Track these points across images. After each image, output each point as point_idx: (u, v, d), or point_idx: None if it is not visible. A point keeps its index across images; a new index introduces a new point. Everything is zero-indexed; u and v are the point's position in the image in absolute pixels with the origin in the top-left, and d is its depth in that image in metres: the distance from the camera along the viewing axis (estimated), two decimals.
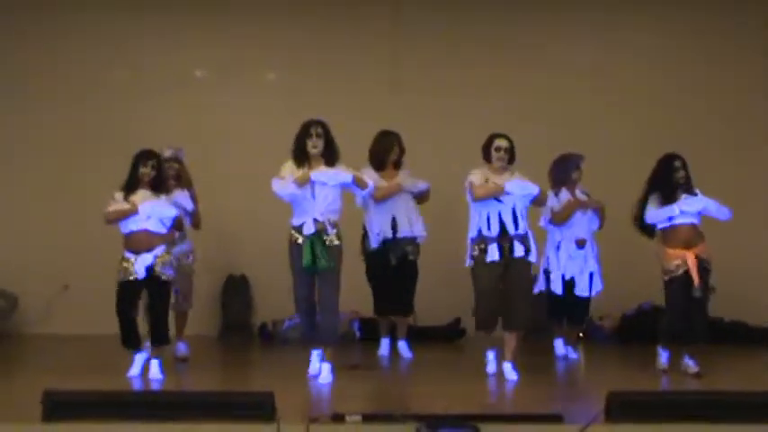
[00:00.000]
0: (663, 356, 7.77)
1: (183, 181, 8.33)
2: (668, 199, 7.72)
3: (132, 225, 7.51)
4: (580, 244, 8.42)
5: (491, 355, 7.66)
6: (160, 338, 7.53)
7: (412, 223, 8.50)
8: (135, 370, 7.50)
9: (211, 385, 7.56)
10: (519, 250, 7.52)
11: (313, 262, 7.32)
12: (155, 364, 7.49)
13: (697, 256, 7.67)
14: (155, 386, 7.30)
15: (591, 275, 8.48)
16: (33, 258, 9.99)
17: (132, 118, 10.07)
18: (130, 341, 7.51)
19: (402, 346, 8.65)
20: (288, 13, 10.30)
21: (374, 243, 8.46)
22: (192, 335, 8.67)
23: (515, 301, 7.56)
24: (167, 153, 8.16)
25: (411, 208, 8.56)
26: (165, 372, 7.47)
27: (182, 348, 8.43)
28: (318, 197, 7.38)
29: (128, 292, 7.48)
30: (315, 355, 7.52)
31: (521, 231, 7.55)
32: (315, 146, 7.42)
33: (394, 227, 8.45)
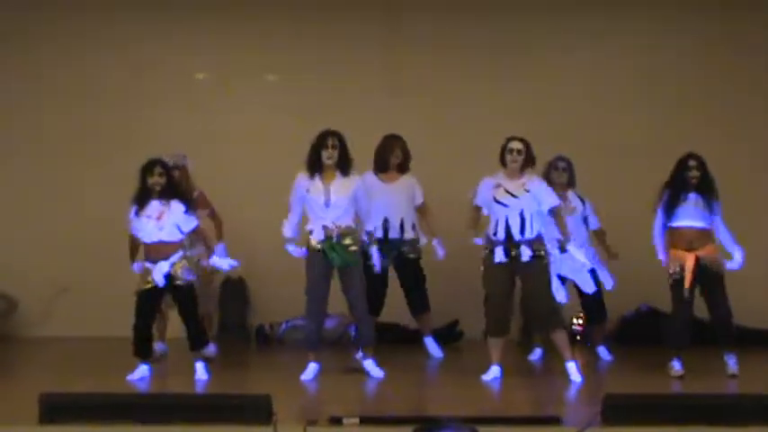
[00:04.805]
0: (675, 365, 7.71)
1: (183, 188, 8.27)
2: (676, 198, 7.72)
3: (146, 237, 7.62)
4: (562, 247, 8.35)
5: (496, 369, 7.58)
6: (196, 343, 7.67)
7: (405, 228, 8.52)
8: (135, 375, 7.55)
9: (208, 387, 7.56)
10: (526, 254, 7.49)
11: (342, 261, 7.53)
12: (200, 366, 7.62)
13: (698, 258, 7.68)
14: (199, 386, 7.38)
15: (592, 272, 8.34)
16: (33, 261, 9.97)
17: (134, 120, 10.06)
18: (141, 352, 7.59)
19: (429, 342, 8.77)
20: (288, 17, 10.28)
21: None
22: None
23: (537, 308, 7.58)
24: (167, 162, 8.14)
25: (409, 214, 8.59)
26: (210, 372, 7.60)
27: (211, 349, 8.41)
28: (331, 205, 7.56)
29: (146, 300, 7.59)
30: (312, 365, 7.61)
31: (528, 236, 7.51)
32: (330, 156, 7.60)
33: (386, 228, 8.48)
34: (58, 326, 9.85)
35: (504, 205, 7.54)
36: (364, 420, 5.86)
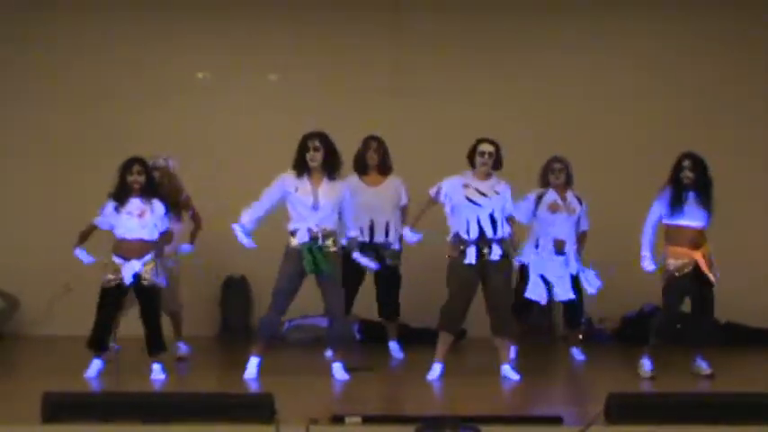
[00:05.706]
0: (646, 365, 7.74)
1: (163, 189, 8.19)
2: (677, 197, 7.73)
3: (127, 234, 7.60)
4: (558, 247, 8.38)
5: (438, 367, 7.59)
6: (154, 347, 7.64)
7: (390, 232, 8.48)
8: (91, 371, 7.55)
9: (210, 386, 7.58)
10: (496, 254, 7.52)
11: (316, 267, 7.42)
12: (156, 368, 7.58)
13: (704, 256, 7.70)
14: (157, 386, 7.35)
15: (571, 278, 8.40)
16: (34, 260, 9.98)
17: (132, 120, 10.07)
18: (95, 345, 7.58)
19: (393, 346, 8.73)
20: (289, 17, 10.30)
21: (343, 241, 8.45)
22: (191, 335, 8.69)
23: (499, 307, 7.58)
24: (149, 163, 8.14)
25: (394, 217, 8.54)
26: (166, 372, 7.57)
27: (182, 348, 8.47)
28: (320, 208, 7.49)
29: (110, 297, 7.61)
30: (253, 360, 7.55)
31: (499, 235, 7.56)
32: (313, 159, 7.51)
33: (371, 231, 8.46)
34: (59, 325, 9.86)
35: (478, 205, 7.55)
36: (367, 419, 5.86)
